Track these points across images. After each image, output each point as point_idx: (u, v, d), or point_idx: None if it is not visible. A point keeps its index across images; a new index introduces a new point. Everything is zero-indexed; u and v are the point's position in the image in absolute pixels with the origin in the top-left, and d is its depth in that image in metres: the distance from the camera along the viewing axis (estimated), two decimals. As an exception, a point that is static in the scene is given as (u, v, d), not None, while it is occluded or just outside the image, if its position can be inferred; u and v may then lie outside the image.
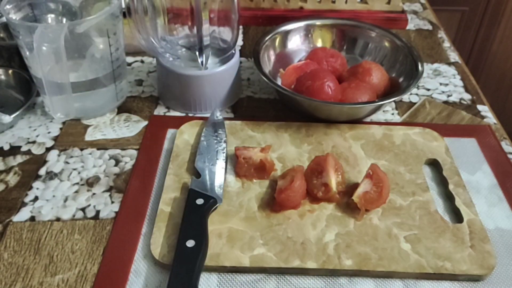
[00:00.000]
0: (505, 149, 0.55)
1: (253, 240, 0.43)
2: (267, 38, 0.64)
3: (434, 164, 0.53)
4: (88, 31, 0.53)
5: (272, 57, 0.64)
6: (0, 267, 0.42)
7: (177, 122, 0.57)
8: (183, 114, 0.60)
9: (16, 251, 0.43)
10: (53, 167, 0.52)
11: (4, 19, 0.62)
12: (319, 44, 0.68)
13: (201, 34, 0.54)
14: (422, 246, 0.43)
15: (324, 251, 0.42)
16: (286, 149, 0.53)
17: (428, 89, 0.66)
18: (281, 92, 0.55)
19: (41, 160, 0.53)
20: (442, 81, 0.68)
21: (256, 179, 0.49)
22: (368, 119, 0.59)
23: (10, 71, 0.62)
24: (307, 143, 0.54)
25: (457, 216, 0.47)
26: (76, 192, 0.49)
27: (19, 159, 0.53)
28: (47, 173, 0.52)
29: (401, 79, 0.60)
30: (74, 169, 0.52)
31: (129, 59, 0.70)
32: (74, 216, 0.47)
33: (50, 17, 0.60)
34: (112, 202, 0.48)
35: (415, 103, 0.63)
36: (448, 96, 0.65)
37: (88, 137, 0.56)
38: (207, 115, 0.59)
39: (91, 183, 0.50)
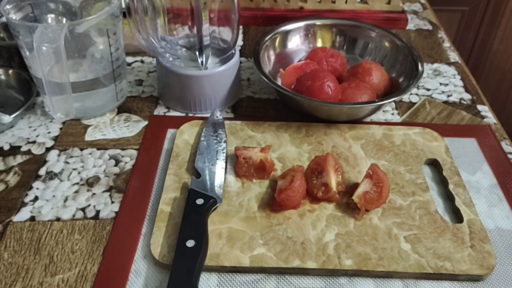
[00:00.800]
0: (505, 149, 0.55)
1: (253, 240, 0.43)
2: (267, 38, 0.64)
3: (434, 164, 0.53)
4: (88, 31, 0.53)
5: (272, 57, 0.64)
6: (0, 267, 0.42)
7: (177, 122, 0.57)
8: (183, 114, 0.60)
9: (16, 251, 0.43)
10: (53, 167, 0.52)
11: (4, 19, 0.62)
12: (319, 44, 0.68)
13: (201, 34, 0.54)
14: (422, 246, 0.43)
15: (324, 251, 0.42)
16: (286, 149, 0.53)
17: (428, 89, 0.66)
18: (281, 92, 0.55)
19: (41, 160, 0.53)
20: (442, 81, 0.68)
21: (256, 179, 0.49)
22: (368, 119, 0.59)
23: (10, 71, 0.62)
24: (307, 143, 0.54)
25: (457, 216, 0.47)
26: (76, 192, 0.49)
27: (19, 159, 0.53)
28: (47, 173, 0.52)
29: (401, 79, 0.60)
30: (74, 169, 0.52)
31: (129, 59, 0.70)
32: (74, 216, 0.47)
33: (50, 17, 0.60)
34: (112, 202, 0.48)
35: (415, 103, 0.63)
36: (448, 96, 0.65)
37: (88, 137, 0.56)
38: (207, 115, 0.59)
39: (91, 183, 0.50)
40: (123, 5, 0.56)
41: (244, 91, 0.65)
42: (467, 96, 0.65)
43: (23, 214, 0.47)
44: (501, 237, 0.45)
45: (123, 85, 0.60)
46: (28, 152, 0.54)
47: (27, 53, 0.53)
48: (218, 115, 0.57)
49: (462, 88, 0.67)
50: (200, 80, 0.57)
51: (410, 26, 0.82)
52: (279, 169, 0.51)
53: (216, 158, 0.51)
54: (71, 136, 0.56)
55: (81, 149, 0.55)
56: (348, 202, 0.47)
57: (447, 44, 0.77)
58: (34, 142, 0.56)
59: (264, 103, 0.63)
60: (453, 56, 0.74)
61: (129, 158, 0.54)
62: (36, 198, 0.49)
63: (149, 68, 0.69)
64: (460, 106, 0.63)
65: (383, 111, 0.62)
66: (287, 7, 0.80)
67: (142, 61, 0.70)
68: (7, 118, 0.55)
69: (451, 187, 0.49)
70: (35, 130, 0.57)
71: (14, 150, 0.54)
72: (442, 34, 0.80)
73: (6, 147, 0.55)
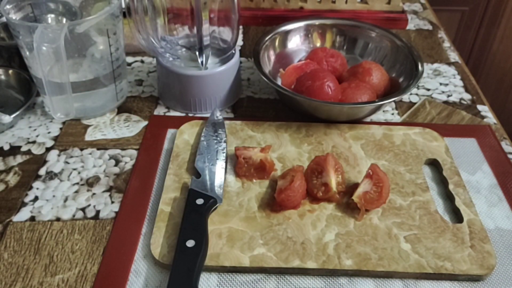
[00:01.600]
0: (505, 149, 0.55)
1: (253, 240, 0.43)
2: (267, 38, 0.64)
3: (434, 164, 0.53)
4: (88, 31, 0.53)
5: (272, 57, 0.64)
6: (0, 267, 0.42)
7: (177, 122, 0.57)
8: (183, 114, 0.60)
9: (16, 251, 0.43)
10: (53, 167, 0.52)
11: (4, 19, 0.62)
12: (319, 44, 0.68)
13: (201, 34, 0.54)
14: (422, 246, 0.43)
15: (324, 251, 0.42)
16: (286, 149, 0.53)
17: (428, 89, 0.66)
18: (281, 92, 0.55)
19: (41, 160, 0.53)
20: (442, 81, 0.68)
21: (256, 179, 0.49)
22: (368, 119, 0.59)
23: (10, 71, 0.62)
24: (307, 143, 0.54)
25: (457, 216, 0.47)
26: (76, 192, 0.49)
27: (19, 159, 0.53)
28: (47, 173, 0.52)
29: (401, 79, 0.60)
30: (74, 169, 0.52)
31: (129, 59, 0.70)
32: (74, 216, 0.47)
33: (50, 17, 0.60)
34: (112, 202, 0.48)
35: (415, 103, 0.63)
36: (448, 96, 0.65)
37: (88, 137, 0.56)
38: (207, 115, 0.59)
39: (91, 183, 0.50)
40: (123, 5, 0.56)
41: (244, 91, 0.65)
42: (467, 96, 0.65)
43: (23, 214, 0.47)
44: (501, 237, 0.45)
45: (123, 85, 0.60)
46: (28, 152, 0.54)
47: (27, 53, 0.53)
48: (218, 115, 0.57)
49: (462, 88, 0.67)
50: (200, 80, 0.57)
51: (410, 26, 0.82)
52: (279, 169, 0.51)
53: (216, 158, 0.51)
54: (71, 136, 0.56)
55: (81, 149, 0.55)
56: (348, 202, 0.47)
57: (447, 44, 0.77)
58: (34, 142, 0.56)
59: (264, 103, 0.63)
60: (453, 56, 0.74)
61: (129, 158, 0.54)
62: (36, 198, 0.49)
63: (149, 68, 0.69)
64: (460, 106, 0.63)
65: (383, 111, 0.62)
66: (287, 7, 0.80)
67: (142, 61, 0.70)
68: (7, 118, 0.55)
69: (451, 187, 0.49)
70: (35, 130, 0.57)
71: (14, 150, 0.54)
72: (442, 34, 0.80)
73: (6, 147, 0.55)
